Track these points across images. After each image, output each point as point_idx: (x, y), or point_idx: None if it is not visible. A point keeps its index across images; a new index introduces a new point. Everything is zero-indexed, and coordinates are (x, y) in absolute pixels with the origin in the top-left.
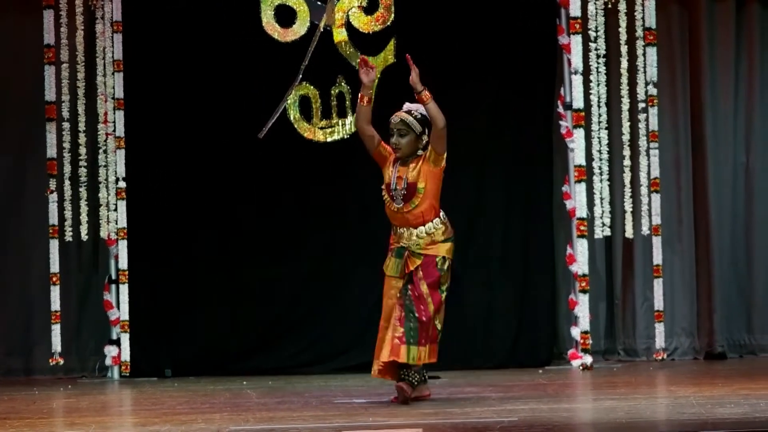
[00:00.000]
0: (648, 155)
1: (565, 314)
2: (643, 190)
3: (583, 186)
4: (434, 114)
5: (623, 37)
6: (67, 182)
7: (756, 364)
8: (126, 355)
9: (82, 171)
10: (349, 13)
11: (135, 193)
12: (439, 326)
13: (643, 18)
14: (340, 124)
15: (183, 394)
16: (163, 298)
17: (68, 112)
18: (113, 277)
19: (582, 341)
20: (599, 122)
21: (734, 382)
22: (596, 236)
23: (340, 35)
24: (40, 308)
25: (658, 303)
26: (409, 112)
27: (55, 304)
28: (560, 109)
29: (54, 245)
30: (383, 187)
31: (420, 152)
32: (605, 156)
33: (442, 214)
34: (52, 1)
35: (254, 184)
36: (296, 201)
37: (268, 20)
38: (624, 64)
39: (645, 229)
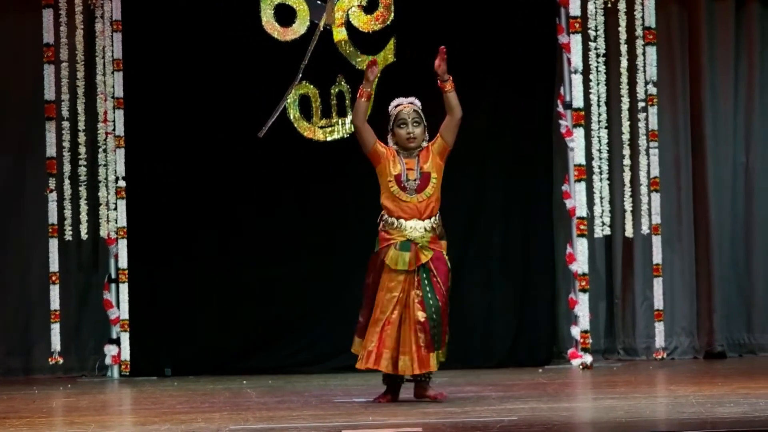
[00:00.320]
0: (648, 154)
1: (565, 313)
2: (643, 190)
3: (582, 185)
4: (455, 104)
5: (623, 36)
6: (66, 181)
7: (756, 364)
8: (126, 355)
9: (82, 170)
10: (349, 12)
11: (135, 193)
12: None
13: (642, 17)
14: (340, 123)
15: (183, 393)
16: (163, 297)
17: (68, 111)
18: (113, 276)
19: (582, 340)
20: (599, 121)
21: (734, 382)
22: (596, 235)
23: (339, 34)
24: (39, 307)
25: (658, 302)
26: (413, 103)
27: (55, 304)
28: (560, 109)
29: (54, 244)
30: (391, 179)
31: (424, 143)
32: (605, 155)
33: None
34: (51, 0)
35: (254, 183)
36: (296, 200)
37: (268, 19)
38: (624, 63)
39: (645, 229)
